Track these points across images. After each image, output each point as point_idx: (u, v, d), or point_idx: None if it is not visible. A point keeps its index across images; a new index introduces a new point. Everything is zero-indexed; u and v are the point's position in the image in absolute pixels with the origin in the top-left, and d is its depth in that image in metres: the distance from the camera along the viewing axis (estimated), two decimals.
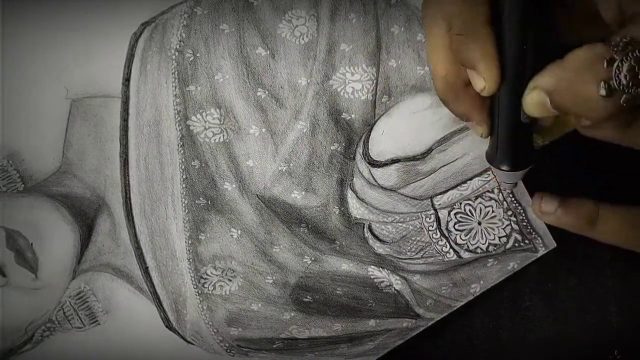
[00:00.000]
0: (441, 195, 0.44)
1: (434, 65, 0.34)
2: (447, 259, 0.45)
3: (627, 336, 0.46)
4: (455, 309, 0.45)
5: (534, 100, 0.32)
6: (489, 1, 0.32)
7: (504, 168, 0.35)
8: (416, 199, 0.44)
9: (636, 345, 0.46)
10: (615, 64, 0.30)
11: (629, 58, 0.29)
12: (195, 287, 0.45)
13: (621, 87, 0.30)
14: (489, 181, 0.44)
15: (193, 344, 0.45)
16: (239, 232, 0.45)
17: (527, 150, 0.35)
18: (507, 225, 0.44)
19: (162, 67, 0.44)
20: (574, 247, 0.44)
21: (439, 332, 0.46)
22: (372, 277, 0.45)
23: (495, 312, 0.46)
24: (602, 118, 0.31)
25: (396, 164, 0.44)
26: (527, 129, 0.34)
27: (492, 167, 0.36)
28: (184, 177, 0.44)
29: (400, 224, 0.45)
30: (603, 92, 0.30)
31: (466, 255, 0.44)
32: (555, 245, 0.44)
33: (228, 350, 0.46)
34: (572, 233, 0.41)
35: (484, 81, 0.33)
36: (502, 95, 0.33)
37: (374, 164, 0.44)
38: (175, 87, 0.44)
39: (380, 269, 0.45)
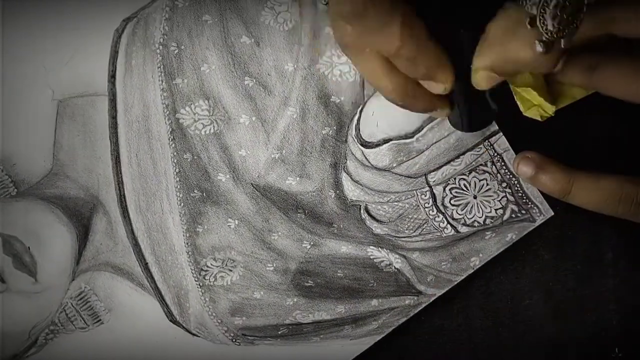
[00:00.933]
0: (435, 172, 0.44)
1: (377, 83, 0.36)
2: (445, 235, 0.45)
3: (627, 334, 0.46)
4: (456, 283, 0.45)
5: (482, 78, 0.34)
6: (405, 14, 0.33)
7: (471, 130, 0.41)
8: (410, 177, 0.44)
9: (637, 344, 0.46)
10: (538, 21, 0.29)
11: (545, 9, 0.29)
12: (196, 279, 0.45)
13: (554, 36, 0.30)
14: (481, 154, 0.44)
15: (198, 336, 0.46)
16: (236, 222, 0.45)
17: (485, 112, 0.39)
18: (503, 197, 0.44)
19: (147, 62, 0.44)
20: (575, 245, 0.45)
21: (439, 331, 0.46)
22: (371, 257, 0.45)
23: (495, 310, 0.46)
24: (551, 68, 0.32)
25: (388, 144, 0.44)
26: (482, 97, 0.37)
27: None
28: (177, 170, 0.44)
29: (396, 203, 0.45)
30: (541, 49, 0.30)
31: (464, 229, 0.45)
32: (552, 213, 0.44)
33: (234, 340, 0.46)
34: (573, 230, 0.43)
35: (442, 85, 0.35)
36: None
37: (366, 145, 0.44)
38: (162, 81, 0.44)
39: (380, 248, 0.45)
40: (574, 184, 0.38)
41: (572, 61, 0.34)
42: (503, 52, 0.32)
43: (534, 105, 0.37)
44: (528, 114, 0.37)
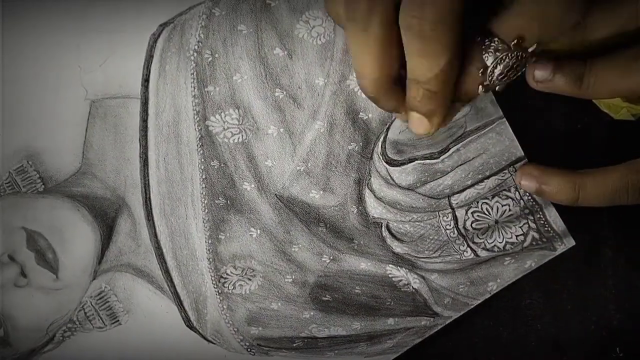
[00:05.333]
0: (458, 194, 0.44)
1: (362, 65, 0.35)
2: (464, 258, 0.45)
3: (628, 334, 0.46)
4: (472, 307, 0.45)
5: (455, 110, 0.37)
6: None
7: None
8: (434, 198, 0.44)
9: (637, 344, 0.46)
10: (487, 71, 0.34)
11: (497, 66, 0.34)
12: (215, 286, 0.45)
13: (493, 84, 0.35)
14: (505, 180, 0.44)
15: (214, 343, 0.46)
16: (258, 231, 0.45)
17: None
18: (525, 223, 0.44)
19: (181, 68, 0.44)
20: (575, 245, 0.45)
21: (439, 330, 0.46)
22: (390, 276, 0.45)
23: (495, 310, 0.46)
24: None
25: (413, 163, 0.44)
26: None
27: None
28: (204, 177, 0.44)
29: (418, 223, 0.45)
30: (482, 89, 0.35)
31: (483, 254, 0.45)
32: (574, 243, 0.44)
33: (248, 350, 0.46)
34: (573, 230, 0.43)
35: (429, 127, 0.36)
36: None
37: (391, 163, 0.44)
38: (194, 88, 0.44)
39: (399, 267, 0.45)
40: (580, 190, 0.38)
41: (560, 74, 0.36)
42: (470, 79, 0.35)
43: (622, 108, 0.38)
44: (620, 117, 0.39)
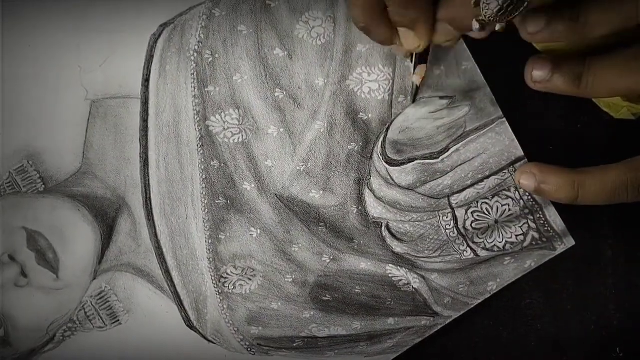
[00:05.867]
0: (458, 194, 0.44)
1: None
2: (464, 258, 0.45)
3: (628, 334, 0.46)
4: (472, 306, 0.45)
5: (442, 31, 0.36)
6: None
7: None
8: (433, 198, 0.44)
9: (637, 344, 0.46)
10: (481, 4, 0.32)
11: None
12: (215, 286, 0.45)
13: (490, 20, 0.33)
14: (505, 179, 0.44)
15: (214, 343, 0.46)
16: (259, 231, 0.45)
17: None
18: (524, 223, 0.44)
19: (181, 68, 0.44)
20: (575, 245, 0.45)
21: (439, 330, 0.46)
22: (390, 275, 0.45)
23: (495, 310, 0.46)
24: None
25: (413, 163, 0.44)
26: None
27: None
28: (204, 177, 0.45)
29: (417, 223, 0.45)
30: (477, 26, 0.33)
31: (483, 253, 0.45)
32: (574, 243, 0.44)
33: (249, 349, 0.46)
34: (573, 230, 0.43)
35: (418, 42, 0.36)
36: None
37: (391, 163, 0.44)
38: (195, 88, 0.44)
39: (399, 267, 0.45)
40: (579, 188, 0.38)
41: (558, 73, 0.36)
42: (456, 6, 0.34)
43: (622, 107, 0.38)
44: (620, 116, 0.38)
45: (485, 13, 0.32)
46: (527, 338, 0.46)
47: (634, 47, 0.34)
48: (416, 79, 0.42)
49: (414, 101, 0.43)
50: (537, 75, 0.36)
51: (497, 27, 0.33)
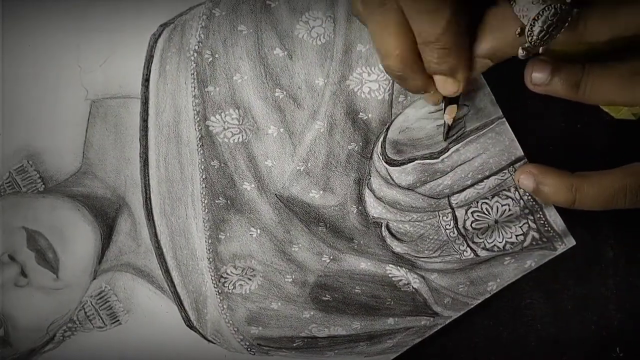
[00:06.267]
0: (458, 194, 0.44)
1: (385, 43, 0.35)
2: (464, 258, 0.45)
3: (628, 334, 0.46)
4: (472, 306, 0.45)
5: (480, 66, 0.36)
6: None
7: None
8: (433, 198, 0.44)
9: (637, 344, 0.46)
10: (526, 32, 0.33)
11: (535, 23, 0.32)
12: (215, 286, 0.45)
13: (536, 45, 0.33)
14: (505, 179, 0.44)
15: (214, 343, 0.46)
16: (258, 231, 0.45)
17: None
18: (524, 223, 0.44)
19: (181, 68, 0.44)
20: (575, 245, 0.45)
21: (439, 330, 0.46)
22: (390, 275, 0.45)
23: (495, 310, 0.46)
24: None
25: (413, 163, 0.44)
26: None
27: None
28: (204, 177, 0.45)
29: (417, 223, 0.45)
30: (522, 53, 0.34)
31: (483, 253, 0.45)
32: (574, 243, 0.44)
33: (249, 349, 0.46)
34: (573, 230, 0.43)
35: (457, 85, 0.35)
36: None
37: (391, 162, 0.44)
38: (194, 88, 0.44)
39: (399, 267, 0.45)
40: (577, 192, 0.38)
41: (557, 77, 0.36)
42: (498, 39, 0.34)
43: (622, 108, 0.38)
44: (620, 116, 0.39)
45: (531, 40, 0.33)
46: (527, 338, 0.46)
47: (632, 61, 0.35)
48: (448, 119, 0.42)
49: (446, 139, 0.43)
50: (537, 78, 0.36)
51: (540, 49, 0.34)
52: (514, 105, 0.43)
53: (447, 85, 0.36)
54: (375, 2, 0.34)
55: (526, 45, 0.33)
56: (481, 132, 0.44)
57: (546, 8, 0.32)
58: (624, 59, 0.35)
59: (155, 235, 0.45)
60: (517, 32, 0.33)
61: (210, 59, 0.44)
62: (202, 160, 0.44)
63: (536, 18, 0.32)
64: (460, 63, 0.35)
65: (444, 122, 0.42)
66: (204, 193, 0.45)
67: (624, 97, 0.35)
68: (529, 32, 0.33)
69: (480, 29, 0.34)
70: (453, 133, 0.44)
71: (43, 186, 0.45)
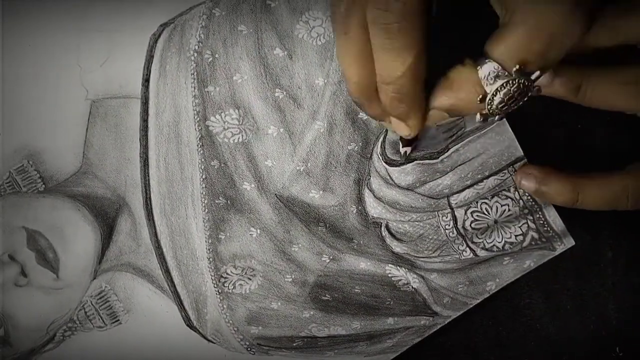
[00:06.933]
0: (457, 194, 0.44)
1: (346, 69, 0.35)
2: (463, 258, 0.45)
3: (627, 334, 0.46)
4: (471, 306, 0.45)
5: (435, 116, 0.35)
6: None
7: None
8: (433, 198, 0.45)
9: (637, 344, 0.46)
10: (487, 100, 0.33)
11: (497, 93, 0.33)
12: (215, 286, 0.45)
13: (493, 114, 0.34)
14: (505, 180, 0.44)
15: (214, 343, 0.46)
16: (258, 231, 0.45)
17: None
18: (524, 223, 0.44)
19: (181, 68, 0.44)
20: (575, 245, 0.45)
21: (439, 330, 0.46)
22: (389, 275, 0.45)
23: (494, 310, 0.46)
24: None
25: (412, 163, 0.44)
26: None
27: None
28: (204, 177, 0.45)
29: (417, 223, 0.45)
30: (479, 119, 0.34)
31: (482, 253, 0.45)
32: (573, 243, 0.44)
33: (248, 349, 0.46)
34: (573, 230, 0.44)
35: (408, 130, 0.35)
36: None
37: (391, 163, 0.44)
38: (194, 88, 0.44)
39: (398, 267, 0.45)
40: (579, 192, 0.38)
41: (558, 80, 0.36)
42: (459, 99, 0.34)
43: None
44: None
45: (490, 108, 0.33)
46: (526, 338, 0.46)
47: (631, 68, 0.35)
48: (404, 151, 0.43)
49: (406, 160, 0.44)
50: (539, 80, 0.36)
51: (497, 118, 0.34)
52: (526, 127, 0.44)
53: (400, 127, 0.36)
54: (341, 14, 0.34)
55: (484, 112, 0.33)
56: (481, 132, 0.44)
57: (510, 82, 0.32)
58: (627, 63, 0.35)
59: (155, 235, 0.45)
60: (478, 99, 0.33)
61: (210, 59, 0.44)
62: (202, 160, 0.45)
63: (499, 89, 0.32)
64: (413, 111, 0.34)
65: (404, 151, 0.43)
66: (204, 193, 0.45)
67: (622, 104, 0.35)
68: (489, 102, 0.33)
69: (442, 84, 0.34)
70: (453, 133, 0.44)
71: (43, 186, 0.45)
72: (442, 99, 0.34)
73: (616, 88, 0.35)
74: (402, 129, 0.36)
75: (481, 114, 0.34)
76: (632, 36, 0.33)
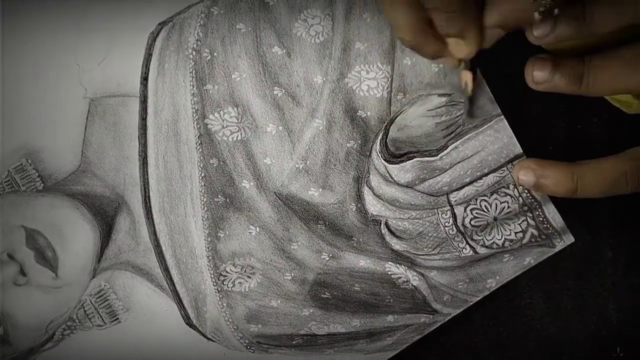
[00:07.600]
0: (457, 192, 0.44)
1: (394, 17, 0.34)
2: (463, 255, 0.45)
3: (628, 334, 0.46)
4: (471, 304, 0.45)
5: (491, 35, 0.35)
6: None
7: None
8: (432, 196, 0.44)
9: (637, 344, 0.46)
10: None
11: None
12: (214, 284, 0.45)
13: (549, 6, 0.33)
14: (504, 177, 0.44)
15: (213, 341, 0.46)
16: (258, 229, 0.45)
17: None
18: (523, 220, 0.44)
19: (180, 66, 0.44)
20: (575, 245, 0.45)
21: (439, 330, 0.46)
22: (389, 273, 0.45)
23: (495, 310, 0.46)
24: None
25: (412, 161, 0.44)
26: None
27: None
28: (203, 175, 0.45)
29: (416, 221, 0.45)
30: (538, 16, 0.33)
31: (482, 250, 0.45)
32: (573, 240, 0.44)
33: (248, 347, 0.46)
34: (573, 230, 0.43)
35: (469, 48, 0.34)
36: None
37: (390, 160, 0.44)
38: (193, 86, 0.44)
39: (398, 265, 0.45)
40: (578, 180, 0.37)
41: (559, 73, 0.35)
42: (513, 8, 0.33)
43: (633, 102, 0.38)
44: (632, 111, 0.39)
45: (545, 2, 0.32)
46: (526, 338, 0.46)
47: (634, 45, 0.34)
48: (467, 90, 0.39)
49: (468, 117, 0.42)
50: (539, 76, 0.36)
51: (556, 11, 0.33)
52: (513, 105, 0.44)
53: (459, 47, 0.35)
54: None
55: (541, 9, 0.33)
56: (480, 130, 0.44)
57: None
58: (626, 43, 0.34)
59: (155, 233, 0.45)
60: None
61: (209, 57, 0.44)
62: (201, 158, 0.45)
63: None
64: (470, 24, 0.34)
65: (465, 98, 0.39)
66: (203, 191, 0.45)
67: (629, 82, 0.35)
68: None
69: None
70: (452, 130, 0.44)
71: (42, 185, 0.45)
72: (493, 13, 0.34)
73: (619, 67, 0.34)
74: (462, 47, 0.35)
75: (539, 12, 0.33)
76: (636, 14, 0.33)
